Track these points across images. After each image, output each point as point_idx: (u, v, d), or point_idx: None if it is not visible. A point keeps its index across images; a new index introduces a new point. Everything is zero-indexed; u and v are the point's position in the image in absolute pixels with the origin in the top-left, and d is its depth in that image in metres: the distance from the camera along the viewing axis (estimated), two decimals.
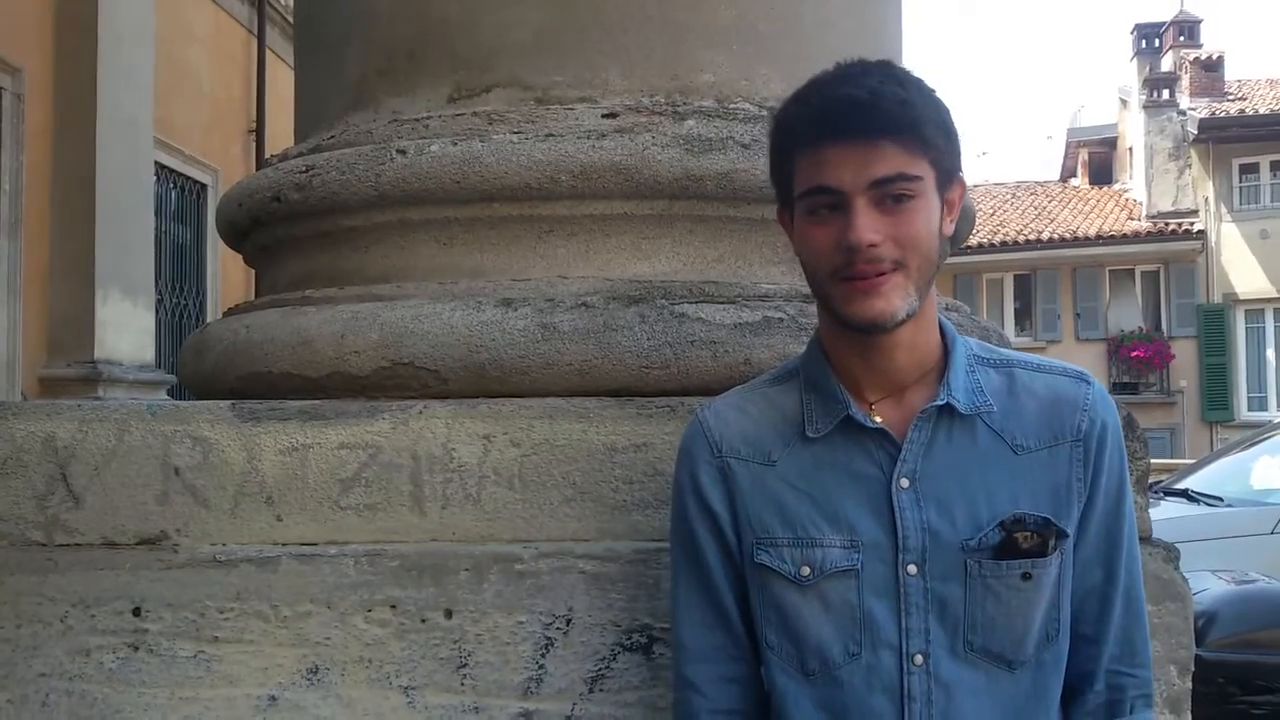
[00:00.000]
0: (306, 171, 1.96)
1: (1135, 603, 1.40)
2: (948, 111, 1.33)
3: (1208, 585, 4.02)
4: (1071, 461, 1.34)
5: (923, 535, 1.31)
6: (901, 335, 1.32)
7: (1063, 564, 1.33)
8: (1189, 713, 1.69)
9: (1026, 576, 1.30)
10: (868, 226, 1.25)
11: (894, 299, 1.28)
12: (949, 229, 1.35)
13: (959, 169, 1.36)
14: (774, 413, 1.41)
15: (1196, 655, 1.75)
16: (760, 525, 1.37)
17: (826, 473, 1.35)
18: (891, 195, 1.26)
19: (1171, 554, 1.71)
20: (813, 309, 1.82)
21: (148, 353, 9.18)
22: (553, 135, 1.86)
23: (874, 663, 1.31)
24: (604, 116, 1.90)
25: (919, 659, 1.30)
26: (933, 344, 1.38)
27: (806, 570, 1.33)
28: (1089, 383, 1.39)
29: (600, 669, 1.66)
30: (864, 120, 1.25)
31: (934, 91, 1.32)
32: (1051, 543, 1.31)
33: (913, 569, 1.31)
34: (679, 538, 1.45)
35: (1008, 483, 1.32)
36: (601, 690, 1.65)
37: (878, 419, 1.35)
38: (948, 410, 1.34)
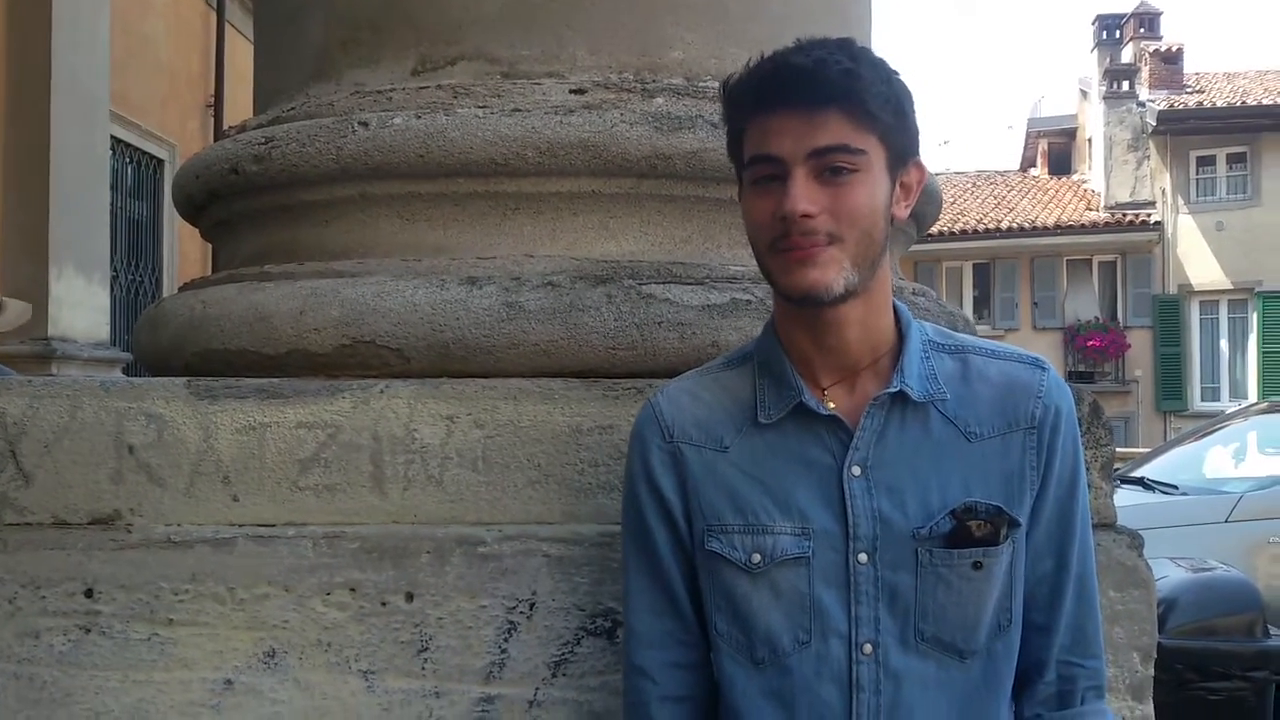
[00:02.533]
0: (266, 143, 1.92)
1: (1088, 591, 1.39)
2: (904, 91, 1.31)
3: (1167, 573, 4.06)
4: (1025, 449, 1.33)
5: (874, 523, 1.30)
6: (849, 313, 1.31)
7: (1015, 553, 1.32)
8: (1151, 700, 1.70)
9: (978, 565, 1.29)
10: (802, 196, 1.24)
11: (829, 271, 1.26)
12: (901, 212, 1.34)
13: (914, 152, 1.34)
14: (727, 397, 1.39)
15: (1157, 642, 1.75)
16: (711, 511, 1.35)
17: (779, 459, 1.34)
18: (831, 167, 1.25)
19: (1136, 541, 1.71)
20: None
21: (103, 330, 9.03)
22: (519, 110, 1.83)
23: (823, 651, 1.30)
24: (572, 92, 1.87)
25: (868, 648, 1.30)
26: (885, 327, 1.36)
27: (757, 557, 1.32)
28: (1044, 369, 1.37)
29: (564, 653, 1.63)
30: (807, 88, 1.24)
31: (893, 71, 1.30)
32: (1003, 531, 1.30)
33: (863, 557, 1.30)
34: (630, 523, 1.44)
35: (960, 471, 1.31)
36: (565, 675, 1.63)
37: (830, 405, 1.33)
38: (900, 397, 1.32)
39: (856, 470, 1.31)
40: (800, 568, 1.31)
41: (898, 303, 1.39)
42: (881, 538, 1.30)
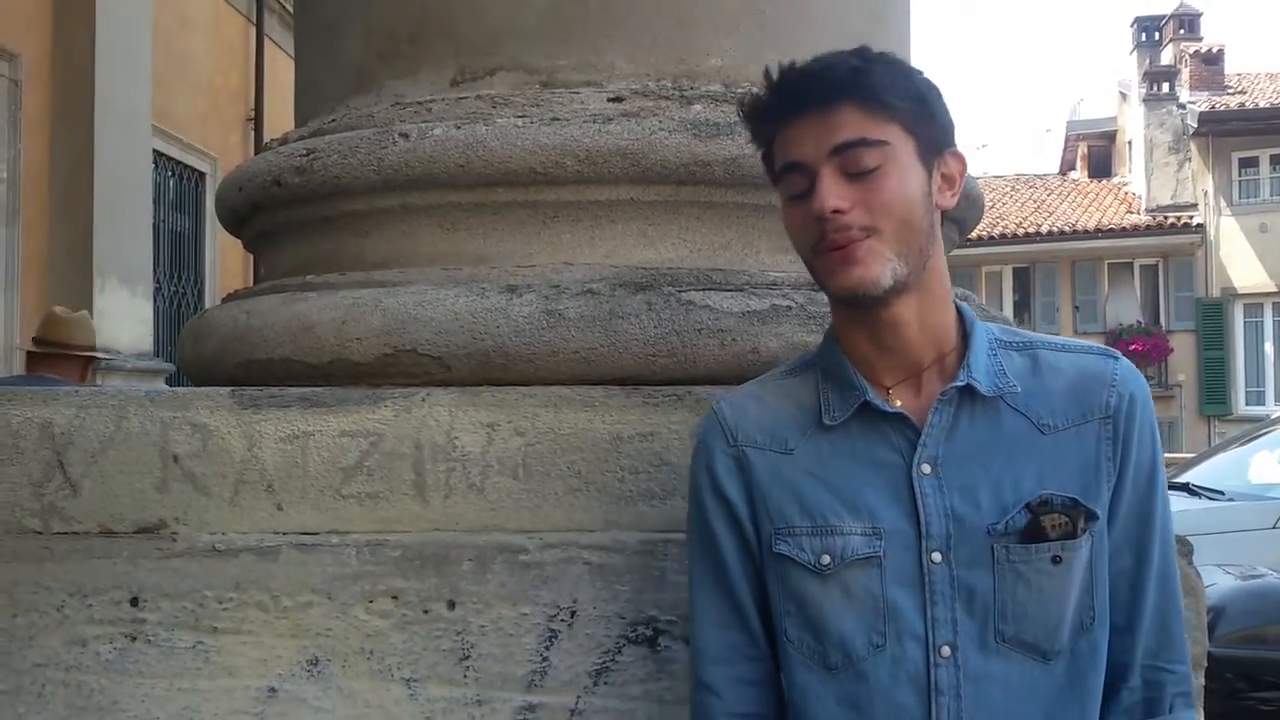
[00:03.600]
0: (307, 155, 1.93)
1: (1171, 589, 1.34)
2: (926, 83, 1.30)
3: (1215, 580, 3.99)
4: (1100, 439, 1.29)
5: (946, 521, 1.27)
6: (903, 310, 1.29)
7: (1095, 547, 1.28)
8: (1202, 710, 1.67)
9: (1056, 560, 1.26)
10: (831, 193, 1.24)
11: (873, 265, 1.25)
12: (947, 202, 1.32)
13: (948, 142, 1.33)
14: (790, 402, 1.38)
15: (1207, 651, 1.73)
16: (779, 515, 1.33)
17: (845, 460, 1.32)
18: (857, 162, 1.24)
19: (1185, 548, 1.68)
20: (821, 296, 1.80)
21: (146, 341, 9.14)
22: (558, 119, 1.83)
23: (899, 655, 1.27)
24: (610, 101, 1.87)
25: (946, 650, 1.26)
26: (947, 323, 1.34)
27: (827, 559, 1.29)
28: (1116, 358, 1.34)
29: (605, 662, 1.63)
30: (817, 89, 1.25)
31: (910, 68, 1.30)
32: (1081, 524, 1.27)
33: (937, 556, 1.27)
34: (695, 534, 1.42)
35: (1034, 464, 1.28)
36: (606, 683, 1.63)
37: (896, 403, 1.31)
38: (969, 392, 1.30)
39: (926, 468, 1.29)
40: (872, 568, 1.28)
41: (960, 303, 1.37)
42: (955, 535, 1.27)
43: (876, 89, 1.24)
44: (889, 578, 1.28)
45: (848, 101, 1.24)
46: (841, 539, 1.29)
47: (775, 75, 1.29)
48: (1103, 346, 1.38)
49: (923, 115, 1.29)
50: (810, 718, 1.32)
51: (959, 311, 1.36)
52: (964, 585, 1.27)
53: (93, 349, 4.91)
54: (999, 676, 1.26)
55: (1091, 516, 1.28)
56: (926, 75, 1.31)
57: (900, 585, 1.28)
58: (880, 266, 1.25)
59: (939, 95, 1.31)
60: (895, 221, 1.25)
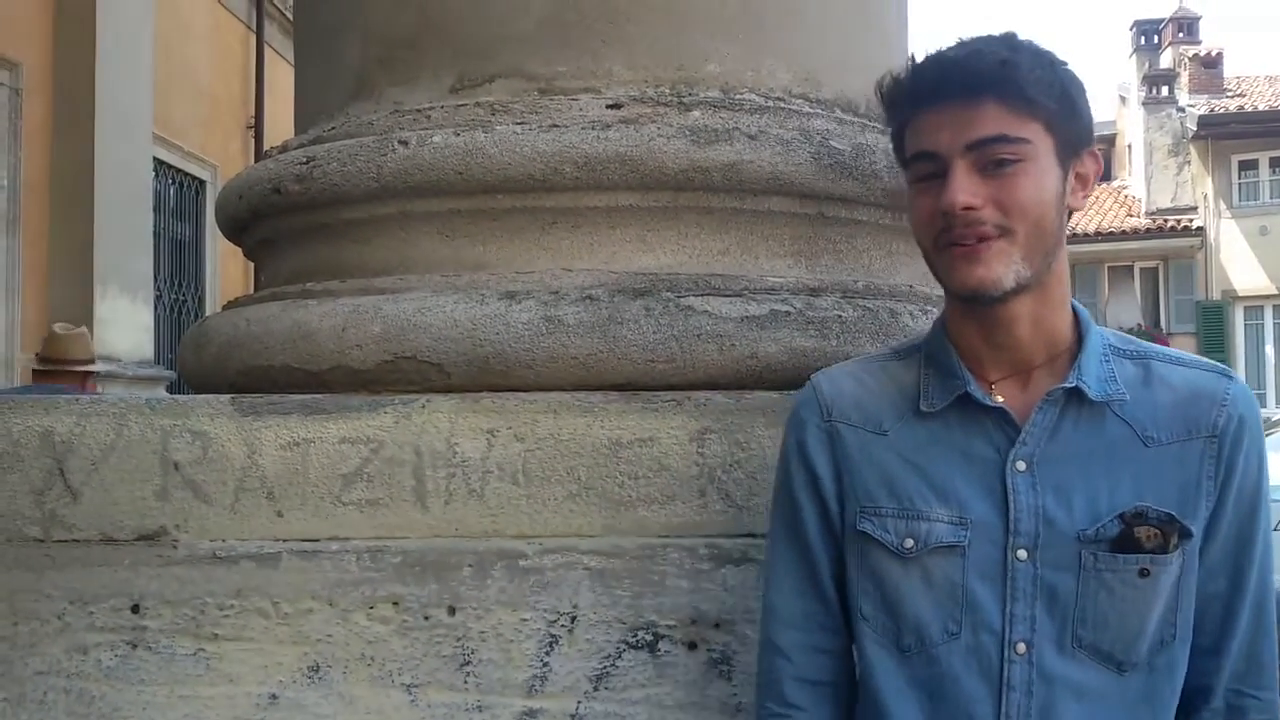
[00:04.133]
0: (307, 163, 1.94)
1: (1265, 617, 1.32)
2: (1071, 79, 1.26)
3: None
4: (1204, 458, 1.27)
5: (1036, 520, 1.26)
6: (1019, 309, 1.27)
7: (1185, 565, 1.27)
8: None
9: (1144, 573, 1.24)
10: (962, 188, 1.21)
11: (995, 266, 1.23)
12: (1078, 204, 1.30)
13: (1088, 141, 1.30)
14: (890, 385, 1.37)
15: None
16: (865, 493, 1.33)
17: (939, 448, 1.31)
18: (994, 159, 1.22)
19: None
20: (820, 302, 1.81)
21: (146, 349, 9.15)
22: (556, 126, 1.84)
23: (973, 645, 1.27)
24: (608, 107, 1.87)
25: (1021, 647, 1.26)
26: (1062, 326, 1.32)
27: (910, 542, 1.29)
28: (1230, 378, 1.32)
29: (605, 667, 1.63)
30: (960, 78, 1.22)
31: (1057, 60, 1.26)
32: (1174, 540, 1.25)
33: (1023, 554, 1.26)
34: (780, 501, 1.42)
35: (1133, 475, 1.26)
36: (607, 689, 1.63)
37: (999, 399, 1.30)
38: (1076, 395, 1.28)
39: (1021, 465, 1.27)
40: (955, 557, 1.28)
41: (1078, 306, 1.35)
42: (1044, 536, 1.26)
43: (1023, 85, 1.21)
44: (971, 569, 1.27)
45: (990, 96, 1.22)
46: (927, 524, 1.29)
47: (920, 61, 1.27)
48: (1220, 365, 1.36)
49: (1065, 114, 1.26)
50: (879, 695, 1.32)
51: (1075, 314, 1.34)
52: (1047, 586, 1.26)
53: (90, 362, 5.28)
54: (1073, 681, 1.25)
55: (1186, 534, 1.26)
56: (1070, 68, 1.27)
57: (982, 578, 1.27)
58: (1005, 268, 1.23)
59: (1083, 91, 1.28)
60: (1028, 224, 1.23)
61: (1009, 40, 1.26)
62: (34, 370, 5.35)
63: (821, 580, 1.38)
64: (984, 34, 1.28)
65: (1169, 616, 1.27)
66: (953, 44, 1.26)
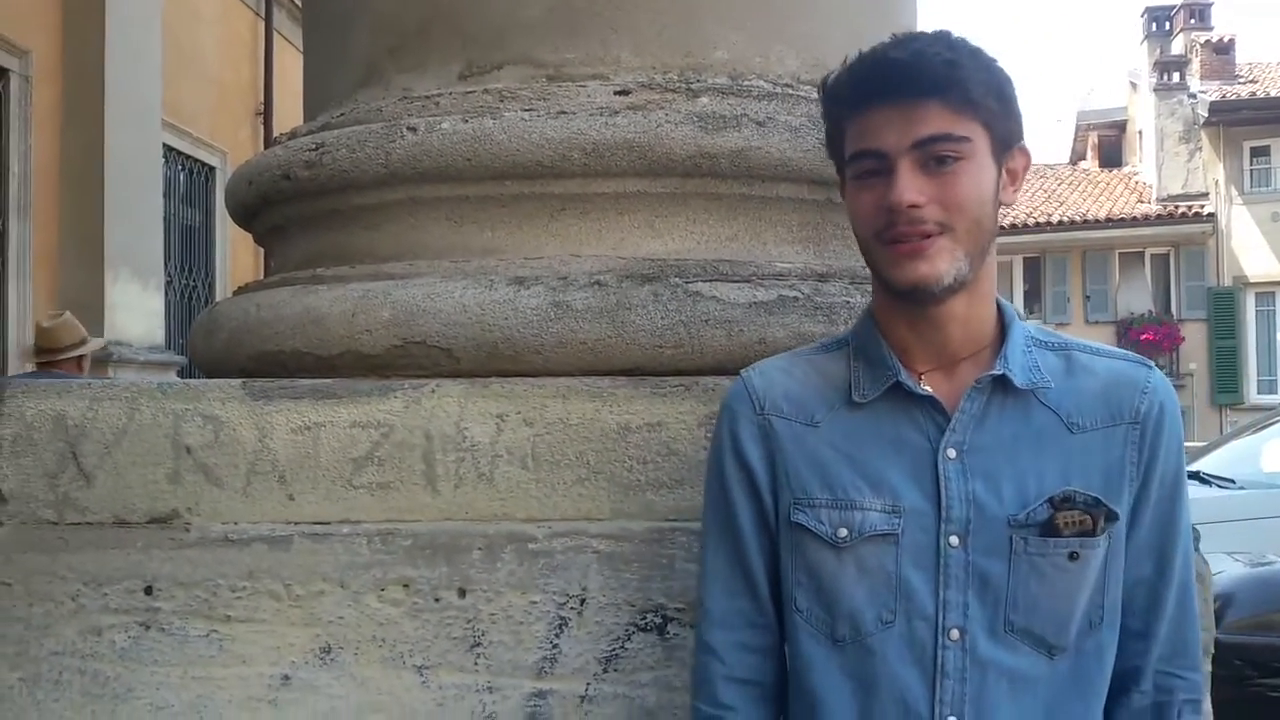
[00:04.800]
0: (316, 149, 1.95)
1: (1188, 599, 1.35)
2: (1005, 77, 1.29)
3: (1224, 567, 3.99)
4: (1126, 443, 1.30)
5: (967, 507, 1.28)
6: (954, 307, 1.30)
7: (1111, 548, 1.29)
8: (1209, 697, 1.68)
9: (1074, 556, 1.26)
10: (909, 187, 1.23)
11: (939, 263, 1.25)
12: (1010, 198, 1.32)
13: (1019, 137, 1.32)
14: (820, 378, 1.38)
15: (1214, 638, 1.73)
16: (799, 485, 1.34)
17: (870, 438, 1.32)
18: (936, 156, 1.24)
19: (1194, 535, 1.69)
20: (828, 288, 1.82)
21: (157, 334, 9.18)
22: (565, 112, 1.84)
23: (907, 633, 1.28)
24: (616, 93, 1.88)
25: (955, 633, 1.27)
26: (988, 319, 1.34)
27: (844, 532, 1.30)
28: (1149, 367, 1.35)
29: (614, 649, 1.65)
30: (906, 80, 1.24)
31: (991, 59, 1.29)
32: (1101, 523, 1.27)
33: (955, 540, 1.27)
34: (712, 498, 1.42)
35: (1060, 461, 1.29)
36: (616, 670, 1.65)
37: (927, 388, 1.32)
38: (1002, 383, 1.30)
39: (952, 453, 1.29)
40: (888, 545, 1.29)
41: (1000, 299, 1.38)
42: (975, 522, 1.27)
43: (966, 86, 1.24)
44: (904, 557, 1.28)
45: (936, 97, 1.24)
46: (860, 514, 1.30)
47: (862, 60, 1.28)
48: (1137, 355, 1.39)
49: (1002, 112, 1.28)
50: (813, 689, 1.33)
51: (999, 308, 1.36)
52: (978, 571, 1.27)
53: (81, 344, 5.47)
54: (1005, 666, 1.27)
55: (1112, 517, 1.28)
56: (1002, 66, 1.30)
57: (915, 565, 1.28)
58: (947, 265, 1.25)
59: (1013, 88, 1.31)
60: (969, 220, 1.26)
61: (947, 40, 1.27)
62: (36, 363, 5.62)
63: (754, 578, 1.39)
64: (914, 32, 1.30)
65: (1096, 599, 1.29)
66: (891, 43, 1.28)
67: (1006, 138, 1.30)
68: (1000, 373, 1.30)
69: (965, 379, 1.32)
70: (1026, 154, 1.35)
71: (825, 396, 1.36)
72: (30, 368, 7.53)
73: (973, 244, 1.27)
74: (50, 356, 5.41)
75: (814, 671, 1.33)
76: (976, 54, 1.27)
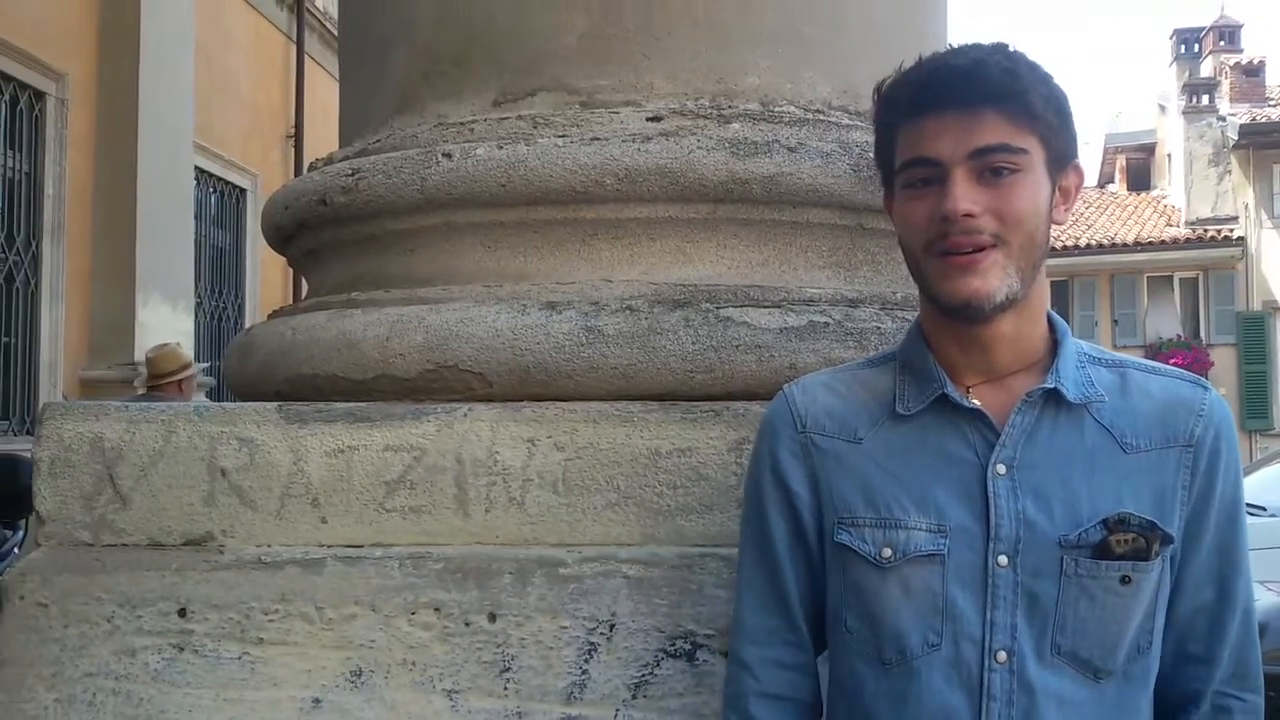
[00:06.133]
0: (353, 175, 1.97)
1: (1249, 623, 1.32)
2: (1062, 93, 1.27)
3: (1258, 596, 3.94)
4: (1179, 467, 1.27)
5: (1017, 525, 1.24)
6: (1003, 326, 1.27)
7: (1162, 572, 1.27)
8: None
9: (1126, 580, 1.24)
10: (964, 196, 1.21)
11: (991, 278, 1.22)
12: (1062, 216, 1.30)
13: (1074, 154, 1.31)
14: (864, 392, 1.36)
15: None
16: (843, 504, 1.31)
17: (916, 454, 1.30)
18: (993, 167, 1.22)
19: None
20: (859, 313, 1.82)
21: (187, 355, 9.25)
22: (597, 139, 1.86)
23: (954, 656, 1.25)
24: (649, 120, 1.89)
25: (1002, 656, 1.24)
26: (1039, 337, 1.31)
27: (888, 552, 1.27)
28: (1206, 389, 1.32)
29: (644, 675, 1.65)
30: (965, 88, 1.22)
31: (1049, 74, 1.27)
32: (1155, 547, 1.24)
33: (1004, 560, 1.24)
34: (750, 515, 1.41)
35: (1113, 481, 1.25)
36: (645, 697, 1.64)
37: (975, 401, 1.29)
38: (1054, 397, 1.28)
39: (1001, 469, 1.26)
40: (934, 566, 1.26)
41: (1053, 314, 1.35)
42: (1025, 541, 1.24)
43: (1026, 97, 1.22)
44: (951, 577, 1.26)
45: (994, 106, 1.22)
46: (905, 533, 1.27)
47: (920, 66, 1.27)
48: (1195, 376, 1.35)
49: (1060, 127, 1.27)
50: (863, 710, 1.31)
51: (1050, 322, 1.34)
52: (1027, 592, 1.24)
53: (179, 371, 6.17)
54: (1052, 689, 1.24)
55: (1167, 540, 1.25)
56: (1059, 82, 1.28)
57: (962, 586, 1.25)
58: (999, 282, 1.23)
59: (1069, 104, 1.29)
60: (1022, 234, 1.23)
61: (1005, 51, 1.26)
62: (147, 388, 6.40)
63: (788, 596, 1.37)
64: (976, 43, 1.28)
65: (1146, 624, 1.27)
66: (949, 51, 1.26)
67: (1062, 154, 1.28)
68: (1052, 386, 1.27)
69: (1015, 393, 1.29)
70: (1080, 172, 1.33)
71: (870, 411, 1.34)
72: (61, 389, 7.71)
73: (1025, 260, 1.24)
74: (155, 381, 6.18)
75: (864, 694, 1.31)
76: (1035, 67, 1.26)
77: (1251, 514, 6.46)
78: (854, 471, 1.32)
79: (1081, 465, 1.26)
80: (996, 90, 1.22)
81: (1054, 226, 1.30)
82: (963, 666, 1.25)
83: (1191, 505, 1.28)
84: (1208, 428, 1.29)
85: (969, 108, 1.22)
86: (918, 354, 1.34)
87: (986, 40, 1.30)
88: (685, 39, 1.94)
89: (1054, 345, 1.32)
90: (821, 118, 1.96)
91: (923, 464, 1.29)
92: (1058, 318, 1.35)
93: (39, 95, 8.19)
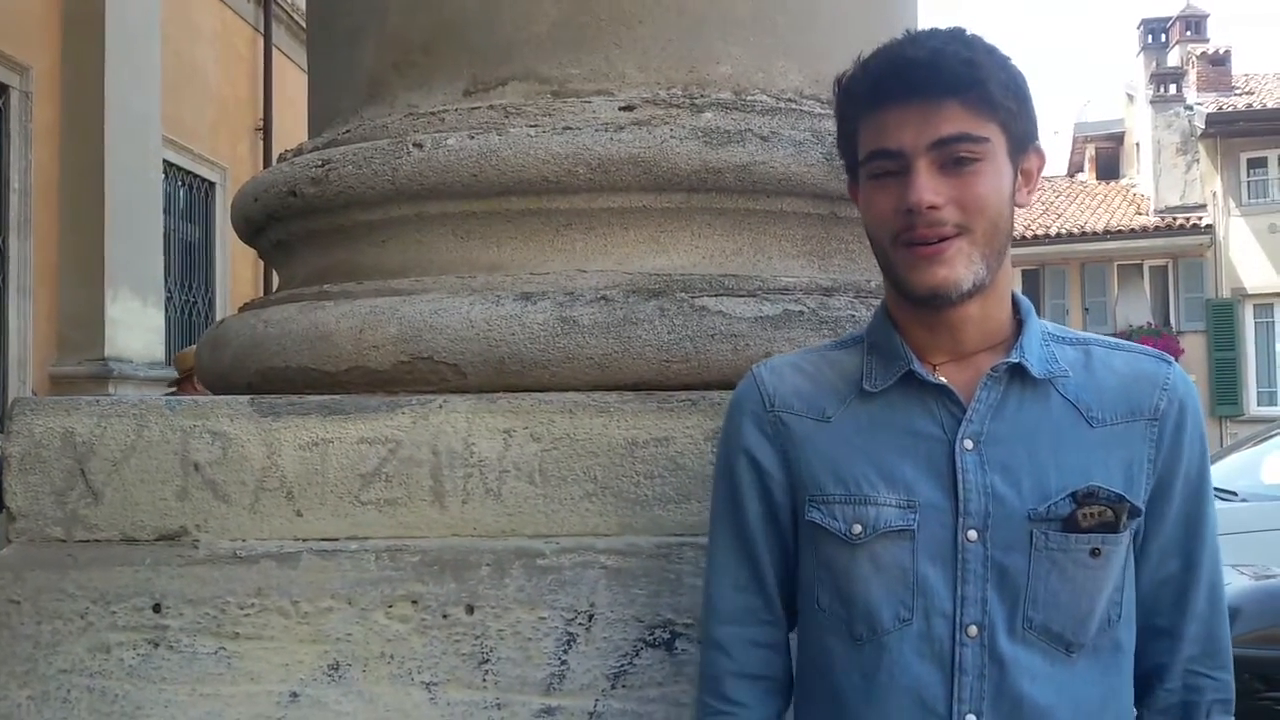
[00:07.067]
0: (322, 166, 1.95)
1: (1217, 597, 1.32)
2: (1020, 76, 1.28)
3: (1229, 580, 3.99)
4: (1145, 439, 1.28)
5: (986, 500, 1.25)
6: (970, 309, 1.28)
7: (1130, 544, 1.28)
8: None
9: (1096, 553, 1.24)
10: (927, 187, 1.22)
11: (958, 267, 1.23)
12: (1025, 199, 1.31)
13: (1034, 137, 1.31)
14: (832, 372, 1.37)
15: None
16: (813, 482, 1.32)
17: (884, 430, 1.30)
18: (954, 157, 1.23)
19: None
20: (833, 302, 1.82)
21: (157, 350, 9.19)
22: (570, 128, 1.85)
23: (925, 631, 1.25)
24: (621, 109, 1.89)
25: (973, 630, 1.24)
26: (1004, 317, 1.33)
27: (858, 528, 1.28)
28: (1170, 363, 1.33)
29: (623, 665, 1.65)
30: (924, 79, 1.22)
31: (1007, 58, 1.27)
32: (1124, 519, 1.25)
33: (973, 535, 1.25)
34: (721, 494, 1.41)
35: (1080, 454, 1.26)
36: (624, 686, 1.64)
37: (941, 378, 1.30)
38: (1019, 372, 1.28)
39: (969, 444, 1.26)
40: (904, 541, 1.26)
41: (1018, 295, 1.36)
42: (994, 516, 1.25)
43: (986, 86, 1.23)
44: (920, 552, 1.26)
45: (954, 96, 1.22)
46: (875, 509, 1.28)
47: (878, 58, 1.27)
48: (1158, 351, 1.36)
49: (1019, 113, 1.27)
50: (835, 686, 1.31)
51: (1015, 303, 1.35)
52: (997, 566, 1.25)
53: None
54: (1023, 663, 1.24)
55: (1135, 513, 1.27)
56: (1017, 65, 1.28)
57: (931, 561, 1.26)
58: (965, 270, 1.24)
59: (1028, 87, 1.29)
60: (986, 222, 1.24)
61: (963, 38, 1.26)
62: (177, 387, 6.79)
63: (762, 574, 1.38)
64: (931, 29, 1.28)
65: (1115, 596, 1.28)
66: (907, 40, 1.26)
67: (1023, 138, 1.29)
68: (1016, 360, 1.28)
69: (981, 370, 1.30)
70: (1041, 155, 1.34)
71: (837, 390, 1.35)
72: (31, 386, 7.69)
73: (990, 246, 1.25)
74: (180, 379, 6.65)
75: (835, 670, 1.31)
76: (993, 52, 1.26)
77: (1223, 499, 6.55)
78: (823, 449, 1.33)
79: (1048, 439, 1.27)
80: (956, 81, 1.22)
81: (1018, 210, 1.31)
82: (934, 641, 1.26)
83: (1156, 478, 1.29)
84: (1172, 401, 1.30)
85: (929, 99, 1.23)
86: (885, 334, 1.35)
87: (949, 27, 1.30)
88: (657, 27, 1.94)
89: (1019, 325, 1.33)
90: (794, 106, 1.96)
91: (891, 440, 1.30)
92: (1022, 298, 1.37)
93: (3, 89, 8.10)
